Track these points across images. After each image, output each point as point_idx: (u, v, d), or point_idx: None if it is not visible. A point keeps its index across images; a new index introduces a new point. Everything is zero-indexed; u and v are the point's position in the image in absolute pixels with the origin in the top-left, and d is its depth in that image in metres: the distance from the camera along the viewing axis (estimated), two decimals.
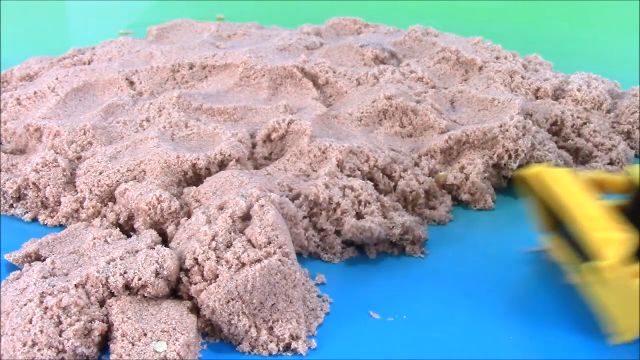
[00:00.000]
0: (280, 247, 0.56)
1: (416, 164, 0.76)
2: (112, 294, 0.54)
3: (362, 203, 0.67)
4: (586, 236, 0.52)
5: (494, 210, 0.75)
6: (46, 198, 0.70)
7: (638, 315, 0.53)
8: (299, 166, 0.73)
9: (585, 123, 0.85)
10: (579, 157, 0.83)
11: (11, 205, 0.71)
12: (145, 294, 0.55)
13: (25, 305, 0.51)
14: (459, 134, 0.77)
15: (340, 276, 0.64)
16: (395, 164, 0.75)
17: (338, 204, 0.66)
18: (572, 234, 0.57)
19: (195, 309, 0.55)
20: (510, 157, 0.76)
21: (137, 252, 0.57)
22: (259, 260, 0.55)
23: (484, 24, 1.33)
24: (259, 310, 0.54)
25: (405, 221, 0.66)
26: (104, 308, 0.53)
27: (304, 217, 0.66)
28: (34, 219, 0.70)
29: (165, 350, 0.50)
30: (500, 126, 0.77)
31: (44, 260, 0.61)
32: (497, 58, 0.99)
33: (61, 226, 0.69)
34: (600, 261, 0.50)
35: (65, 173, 0.70)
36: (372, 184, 0.70)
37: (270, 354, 0.54)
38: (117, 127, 0.79)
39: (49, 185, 0.69)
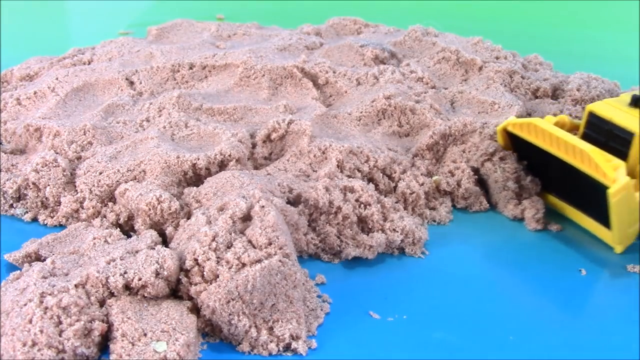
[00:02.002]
0: (280, 248, 0.56)
1: (413, 164, 0.77)
2: (112, 294, 0.54)
3: (363, 205, 0.67)
4: (596, 167, 0.62)
5: (494, 210, 0.75)
6: (46, 198, 0.70)
7: (636, 223, 0.66)
8: (299, 166, 0.73)
9: None
10: None
11: (11, 205, 0.71)
12: (146, 294, 0.55)
13: (25, 305, 0.51)
14: (443, 128, 0.77)
15: (340, 276, 0.64)
16: (394, 164, 0.75)
17: (339, 209, 0.66)
18: (566, 171, 0.66)
19: (195, 309, 0.55)
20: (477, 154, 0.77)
21: (137, 252, 0.57)
22: (259, 261, 0.55)
23: (484, 24, 1.33)
24: (259, 310, 0.54)
25: (405, 225, 0.66)
26: (104, 308, 0.53)
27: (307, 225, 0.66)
28: (34, 219, 0.70)
29: (165, 350, 0.50)
30: (484, 124, 0.78)
31: (44, 260, 0.61)
32: (497, 58, 0.99)
33: (61, 226, 0.69)
34: (617, 182, 0.60)
35: (65, 173, 0.70)
36: (372, 185, 0.70)
37: (270, 354, 0.54)
38: (117, 127, 0.79)
39: (49, 185, 0.69)
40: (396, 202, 0.71)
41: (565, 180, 0.70)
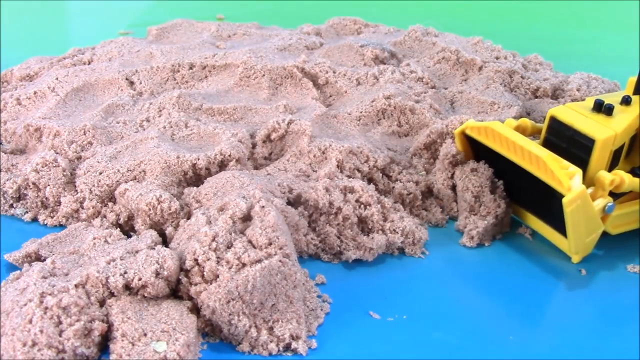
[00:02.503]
0: (280, 248, 0.56)
1: (410, 165, 0.76)
2: (112, 294, 0.54)
3: (363, 205, 0.67)
4: (552, 174, 0.60)
5: None
6: (46, 198, 0.70)
7: (594, 232, 0.63)
8: (299, 166, 0.73)
9: None
10: None
11: (11, 205, 0.71)
12: (146, 294, 0.55)
13: (25, 305, 0.51)
14: (439, 127, 0.77)
15: (340, 276, 0.64)
16: (394, 164, 0.75)
17: (339, 209, 0.66)
18: (524, 178, 0.64)
19: (195, 309, 0.55)
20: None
21: (137, 252, 0.57)
22: (259, 261, 0.55)
23: (484, 24, 1.33)
24: (259, 310, 0.54)
25: (406, 226, 0.66)
26: (104, 308, 0.53)
27: (308, 225, 0.66)
28: (34, 219, 0.70)
29: (165, 350, 0.50)
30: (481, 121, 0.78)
31: (44, 260, 0.61)
32: (497, 58, 0.99)
33: (61, 226, 0.69)
34: (573, 190, 0.58)
35: (65, 173, 0.70)
36: (373, 185, 0.70)
37: (270, 354, 0.54)
38: (117, 127, 0.79)
39: (49, 185, 0.69)
40: (395, 202, 0.71)
41: (523, 187, 0.68)
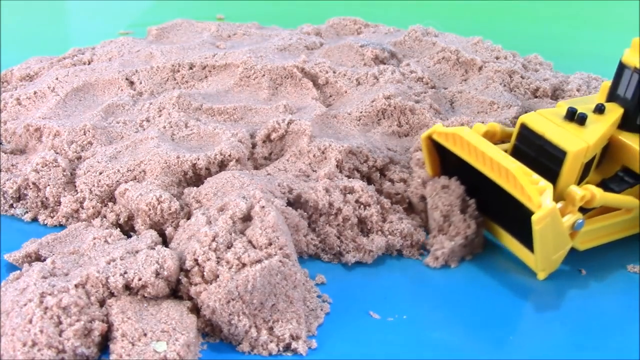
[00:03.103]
0: (281, 249, 0.56)
1: (409, 165, 0.76)
2: (112, 294, 0.54)
3: (363, 206, 0.67)
4: (521, 188, 0.57)
5: None
6: (46, 198, 0.70)
7: (562, 249, 0.61)
8: (299, 166, 0.73)
9: None
10: None
11: (11, 205, 0.71)
12: (146, 294, 0.55)
13: (25, 305, 0.51)
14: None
15: (340, 276, 0.64)
16: (392, 165, 0.75)
17: (339, 210, 0.66)
18: (489, 187, 0.61)
19: (195, 309, 0.55)
20: None
21: (137, 252, 0.57)
22: (259, 261, 0.55)
23: (484, 24, 1.33)
24: (259, 310, 0.54)
25: (404, 228, 0.66)
26: (104, 308, 0.54)
27: (308, 226, 0.66)
28: (34, 219, 0.70)
29: (165, 350, 0.50)
30: (482, 123, 0.77)
31: (44, 260, 0.61)
32: (497, 58, 0.99)
33: (61, 226, 0.69)
34: (543, 207, 0.55)
35: (65, 173, 0.70)
36: (373, 186, 0.70)
37: (270, 354, 0.54)
38: (117, 127, 0.79)
39: (49, 185, 0.69)
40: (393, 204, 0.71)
41: (490, 197, 0.64)
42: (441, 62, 0.97)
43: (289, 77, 0.90)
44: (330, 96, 0.89)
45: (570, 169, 0.61)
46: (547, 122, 0.63)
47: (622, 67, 0.65)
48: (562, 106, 0.66)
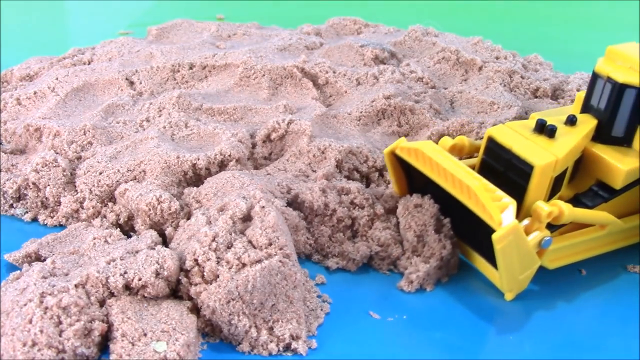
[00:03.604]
0: (281, 249, 0.57)
1: None
2: (112, 294, 0.54)
3: (358, 207, 0.67)
4: (482, 206, 0.54)
5: None
6: (46, 198, 0.70)
7: (529, 269, 0.58)
8: (299, 166, 0.73)
9: None
10: None
11: (11, 205, 0.71)
12: (146, 294, 0.55)
13: (25, 305, 0.51)
14: (440, 128, 0.77)
15: (340, 276, 0.64)
16: None
17: (334, 211, 0.66)
18: (454, 205, 0.59)
19: (195, 309, 0.55)
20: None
21: (137, 252, 0.57)
22: (259, 261, 0.55)
23: (484, 24, 1.33)
24: (259, 310, 0.54)
25: (381, 237, 0.64)
26: (104, 308, 0.54)
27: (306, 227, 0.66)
28: (34, 219, 0.70)
29: (165, 350, 0.50)
30: (481, 123, 0.77)
31: (44, 260, 0.61)
32: (497, 58, 0.99)
33: (61, 226, 0.69)
34: (504, 225, 0.53)
35: (65, 173, 0.70)
36: (370, 190, 0.69)
37: (270, 354, 0.54)
38: (117, 127, 0.79)
39: (49, 185, 0.69)
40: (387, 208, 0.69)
41: (455, 215, 0.61)
42: (441, 62, 0.97)
43: (289, 77, 0.90)
44: (330, 96, 0.89)
45: (538, 183, 0.58)
46: (515, 135, 0.60)
47: (595, 76, 0.62)
48: (534, 118, 0.63)
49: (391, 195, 0.68)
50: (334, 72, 0.91)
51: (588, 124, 0.62)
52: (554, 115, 0.64)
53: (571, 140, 0.60)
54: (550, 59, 1.06)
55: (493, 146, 0.61)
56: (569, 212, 0.57)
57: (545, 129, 0.60)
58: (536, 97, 0.92)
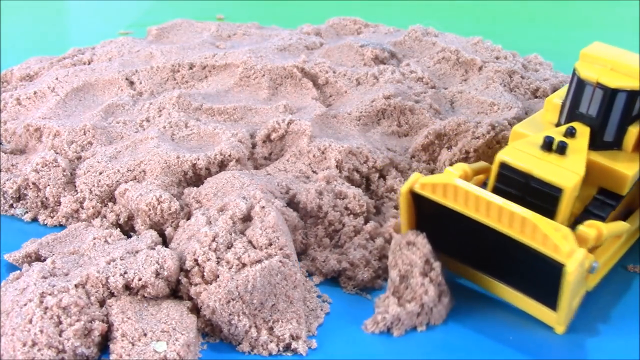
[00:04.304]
0: (281, 249, 0.57)
1: (409, 167, 0.76)
2: (112, 294, 0.54)
3: (350, 214, 0.66)
4: (543, 238, 0.51)
5: None
6: (46, 198, 0.70)
7: (579, 295, 0.56)
8: (299, 166, 0.73)
9: None
10: None
11: (11, 205, 0.71)
12: (146, 294, 0.55)
13: (25, 305, 0.51)
14: (438, 127, 0.77)
15: None
16: (391, 166, 0.75)
17: (326, 214, 0.65)
18: (486, 239, 0.55)
19: (195, 309, 0.55)
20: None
21: (137, 252, 0.57)
22: (259, 261, 0.55)
23: (484, 24, 1.33)
24: (259, 310, 0.54)
25: (355, 257, 0.62)
26: (104, 308, 0.54)
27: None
28: (34, 219, 0.70)
29: (165, 350, 0.50)
30: (477, 123, 0.77)
31: (44, 260, 0.61)
32: (497, 58, 0.99)
33: (61, 226, 0.69)
34: (575, 256, 0.50)
35: (65, 173, 0.70)
36: (367, 197, 0.69)
37: (270, 354, 0.54)
38: (117, 127, 0.79)
39: (49, 185, 0.69)
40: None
41: (486, 250, 0.57)
42: (441, 62, 0.97)
43: (289, 77, 0.90)
44: (330, 96, 0.89)
45: (567, 205, 0.55)
46: (528, 157, 0.57)
47: (581, 83, 0.60)
48: (516, 131, 0.62)
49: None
50: (334, 72, 0.91)
51: (584, 133, 0.60)
52: (533, 126, 0.63)
53: (582, 154, 0.58)
54: (550, 59, 1.06)
55: (507, 172, 0.57)
56: (607, 231, 0.55)
57: (556, 146, 0.58)
58: (536, 97, 0.92)
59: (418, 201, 0.59)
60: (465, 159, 0.75)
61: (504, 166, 0.57)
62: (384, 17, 1.20)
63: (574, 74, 0.62)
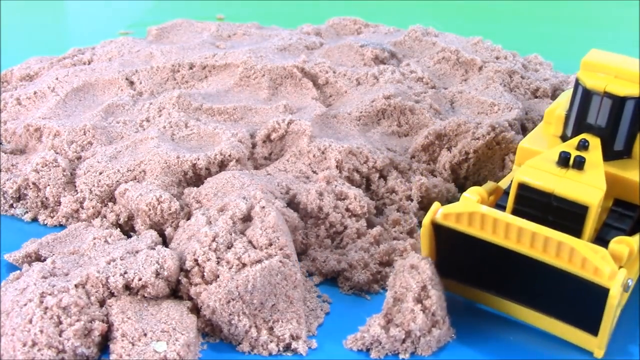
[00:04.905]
0: (281, 249, 0.57)
1: (410, 167, 0.76)
2: (112, 294, 0.54)
3: (351, 215, 0.66)
4: (583, 262, 0.50)
5: None
6: (46, 198, 0.70)
7: (617, 316, 0.53)
8: (299, 167, 0.73)
9: None
10: None
11: (11, 205, 0.71)
12: (146, 294, 0.55)
13: (25, 305, 0.51)
14: (438, 127, 0.77)
15: None
16: (392, 167, 0.75)
17: (327, 215, 0.65)
18: (523, 267, 0.53)
19: (195, 309, 0.55)
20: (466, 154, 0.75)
21: (137, 252, 0.57)
22: (259, 261, 0.55)
23: (484, 24, 1.33)
24: (259, 310, 0.54)
25: (352, 258, 0.62)
26: (104, 308, 0.54)
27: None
28: (34, 219, 0.70)
29: (165, 350, 0.50)
30: (478, 124, 0.77)
31: (44, 260, 0.61)
32: (497, 58, 0.99)
33: (61, 226, 0.69)
34: (617, 278, 0.49)
35: (65, 173, 0.70)
36: (368, 198, 0.69)
37: (270, 354, 0.54)
38: (117, 127, 0.79)
39: (49, 185, 0.69)
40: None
41: (520, 277, 0.55)
42: (441, 62, 0.98)
43: (289, 77, 0.90)
44: (330, 96, 0.89)
45: (592, 222, 0.53)
46: (547, 176, 0.55)
47: (587, 93, 0.59)
48: (522, 148, 0.62)
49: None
50: (334, 72, 0.91)
51: (596, 145, 0.59)
52: (539, 140, 0.62)
53: (600, 168, 0.56)
54: (550, 59, 1.06)
55: (527, 193, 0.55)
56: (636, 245, 0.53)
57: (574, 162, 0.56)
58: (536, 97, 0.92)
59: (439, 231, 0.56)
60: (465, 160, 0.75)
61: (523, 187, 0.55)
62: (384, 17, 1.20)
63: (577, 84, 0.60)
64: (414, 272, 0.56)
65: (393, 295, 0.55)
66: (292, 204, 0.67)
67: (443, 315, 0.55)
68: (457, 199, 0.74)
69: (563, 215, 0.54)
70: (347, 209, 0.66)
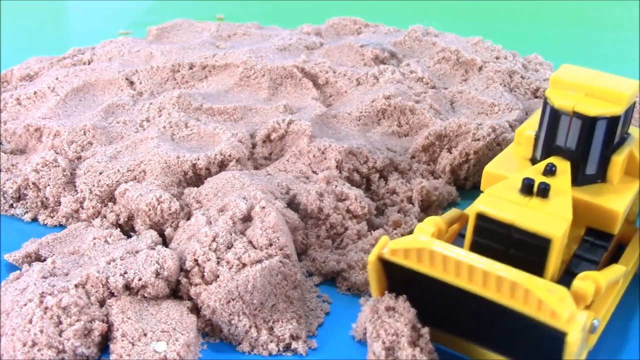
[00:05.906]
0: (281, 249, 0.57)
1: (410, 168, 0.76)
2: (112, 294, 0.54)
3: (351, 216, 0.66)
4: (537, 302, 0.45)
5: None
6: (46, 198, 0.70)
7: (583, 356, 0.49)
8: (299, 167, 0.73)
9: None
10: None
11: (11, 205, 0.71)
12: (146, 294, 0.55)
13: (25, 305, 0.51)
14: (438, 128, 0.77)
15: None
16: (392, 167, 0.75)
17: (328, 216, 0.65)
18: (476, 306, 0.48)
19: (195, 309, 0.55)
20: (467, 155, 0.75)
21: (137, 252, 0.57)
22: (259, 261, 0.55)
23: (484, 24, 1.33)
24: (259, 310, 0.54)
25: (352, 258, 0.62)
26: (104, 308, 0.54)
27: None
28: (34, 219, 0.70)
29: (165, 350, 0.50)
30: (479, 125, 0.77)
31: (44, 260, 0.61)
32: (497, 58, 0.99)
33: (61, 226, 0.69)
34: (577, 321, 0.44)
35: (65, 173, 0.70)
36: (369, 199, 0.69)
37: (270, 354, 0.54)
38: (117, 127, 0.79)
39: (49, 185, 0.69)
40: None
41: (476, 318, 0.50)
42: (441, 62, 0.97)
43: (289, 77, 0.90)
44: (330, 96, 0.89)
45: (557, 256, 0.48)
46: (507, 205, 0.50)
47: (556, 113, 0.54)
48: (488, 172, 0.57)
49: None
50: (334, 72, 0.91)
51: (565, 169, 0.54)
52: (506, 163, 0.58)
53: (567, 195, 0.51)
54: (550, 59, 1.06)
55: (486, 224, 0.50)
56: (605, 282, 0.49)
57: (538, 189, 0.51)
58: (536, 97, 0.92)
59: (388, 267, 0.51)
60: (466, 162, 0.75)
61: (481, 217, 0.50)
62: (384, 17, 1.20)
63: (545, 103, 0.55)
64: (396, 315, 0.51)
65: (383, 346, 0.49)
66: (292, 204, 0.67)
67: (435, 352, 0.51)
68: (457, 203, 0.75)
69: (524, 248, 0.49)
70: (348, 210, 0.66)
